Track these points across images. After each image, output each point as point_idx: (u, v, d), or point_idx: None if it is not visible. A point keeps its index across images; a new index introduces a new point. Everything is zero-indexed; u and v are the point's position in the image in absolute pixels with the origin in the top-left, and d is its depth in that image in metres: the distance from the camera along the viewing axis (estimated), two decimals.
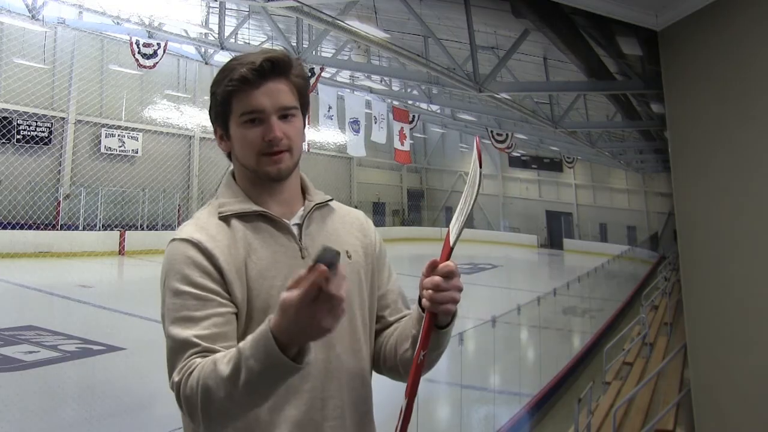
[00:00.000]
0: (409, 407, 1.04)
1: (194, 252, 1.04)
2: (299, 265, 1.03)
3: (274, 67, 1.07)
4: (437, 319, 1.05)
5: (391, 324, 1.21)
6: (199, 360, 0.95)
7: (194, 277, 1.02)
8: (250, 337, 0.89)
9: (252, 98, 1.06)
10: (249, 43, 11.88)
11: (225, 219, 1.09)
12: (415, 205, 23.82)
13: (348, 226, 1.21)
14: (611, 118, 11.39)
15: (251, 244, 1.07)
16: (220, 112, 1.11)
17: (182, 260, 1.03)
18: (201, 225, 1.09)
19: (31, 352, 5.66)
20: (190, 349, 0.97)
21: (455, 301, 1.02)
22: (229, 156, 1.16)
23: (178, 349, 0.98)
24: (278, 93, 1.08)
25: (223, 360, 0.91)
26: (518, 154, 20.96)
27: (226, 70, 1.09)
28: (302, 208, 1.16)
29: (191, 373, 0.94)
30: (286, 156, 1.09)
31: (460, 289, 1.02)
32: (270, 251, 1.08)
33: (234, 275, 1.04)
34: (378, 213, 21.68)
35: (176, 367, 0.96)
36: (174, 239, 1.07)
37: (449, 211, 23.56)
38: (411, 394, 1.04)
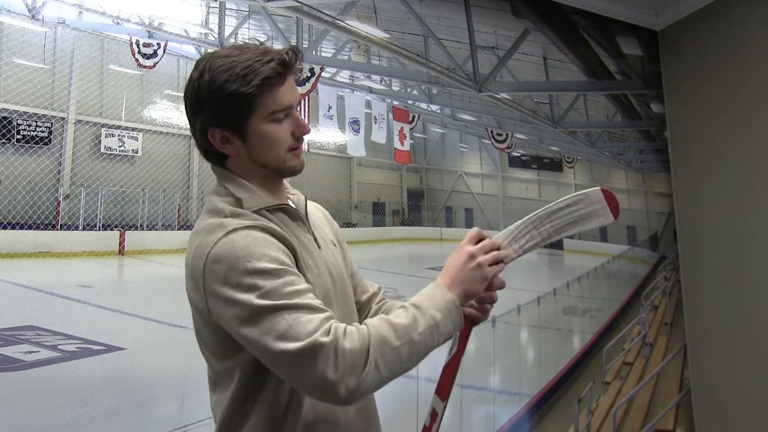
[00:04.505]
0: (444, 409, 1.08)
1: (267, 236, 0.97)
2: (319, 255, 1.08)
3: (297, 58, 1.03)
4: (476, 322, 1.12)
5: (361, 303, 1.22)
6: (343, 324, 0.92)
7: (282, 257, 0.96)
8: (420, 296, 0.98)
9: (281, 95, 1.02)
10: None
11: (257, 213, 1.03)
12: (415, 205, 23.80)
13: (321, 216, 1.22)
14: (611, 118, 11.39)
15: None
16: (238, 113, 1.00)
17: (260, 243, 0.95)
18: (244, 216, 1.00)
19: (31, 352, 5.65)
20: (324, 312, 0.92)
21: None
22: (218, 159, 1.08)
23: (309, 314, 0.91)
24: (294, 85, 1.05)
25: (394, 315, 0.95)
26: (518, 154, 20.95)
27: (240, 67, 0.99)
28: (296, 200, 1.15)
29: (351, 329, 0.91)
30: (302, 148, 1.09)
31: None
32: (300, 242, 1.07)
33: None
34: (378, 213, 21.67)
35: (318, 330, 0.89)
36: (230, 232, 0.95)
37: (449, 211, 23.56)
38: (447, 395, 1.08)
